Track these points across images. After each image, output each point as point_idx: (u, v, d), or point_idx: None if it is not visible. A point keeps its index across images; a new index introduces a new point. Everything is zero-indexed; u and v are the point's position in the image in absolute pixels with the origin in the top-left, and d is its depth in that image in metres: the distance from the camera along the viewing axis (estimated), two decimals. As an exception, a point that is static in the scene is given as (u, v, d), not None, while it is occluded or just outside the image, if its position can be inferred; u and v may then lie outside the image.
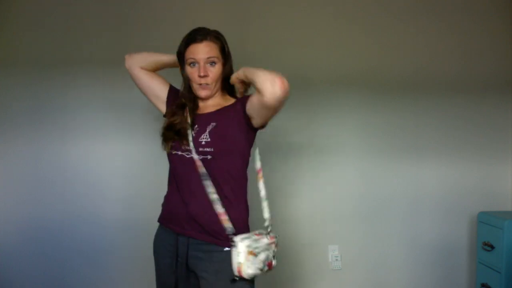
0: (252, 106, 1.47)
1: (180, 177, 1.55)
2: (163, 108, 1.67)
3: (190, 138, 1.51)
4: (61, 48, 2.38)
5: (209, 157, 1.48)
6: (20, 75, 2.36)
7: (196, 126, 1.54)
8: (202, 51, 1.51)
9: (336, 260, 2.57)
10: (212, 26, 2.36)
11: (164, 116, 1.68)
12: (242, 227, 1.50)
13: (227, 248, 1.46)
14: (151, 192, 2.42)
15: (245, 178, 1.57)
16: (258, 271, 1.44)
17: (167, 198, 1.64)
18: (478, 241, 2.47)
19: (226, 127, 1.51)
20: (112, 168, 2.42)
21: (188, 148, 1.50)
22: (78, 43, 2.39)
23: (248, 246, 1.42)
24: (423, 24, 2.61)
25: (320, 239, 2.57)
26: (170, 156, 1.58)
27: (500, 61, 2.65)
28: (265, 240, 1.46)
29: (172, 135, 1.55)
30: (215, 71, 1.53)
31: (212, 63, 1.53)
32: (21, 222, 2.36)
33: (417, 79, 2.61)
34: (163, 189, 2.41)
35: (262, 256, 1.44)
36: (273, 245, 1.48)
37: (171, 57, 1.66)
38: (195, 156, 1.49)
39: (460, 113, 2.63)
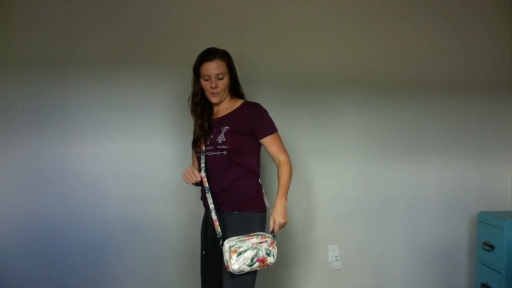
0: (265, 146, 1.95)
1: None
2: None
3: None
4: (61, 48, 2.38)
5: (224, 152, 1.87)
6: (20, 75, 2.36)
7: (215, 129, 1.92)
8: (213, 68, 1.90)
9: (336, 260, 2.57)
10: (210, 26, 2.38)
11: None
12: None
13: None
14: (152, 192, 2.44)
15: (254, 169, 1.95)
16: (246, 267, 1.71)
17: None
18: (478, 241, 2.47)
19: (238, 133, 1.90)
20: (112, 168, 2.41)
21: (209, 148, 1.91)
22: (78, 43, 2.39)
23: (232, 246, 1.71)
24: (424, 25, 2.61)
25: (320, 239, 2.57)
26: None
27: (500, 62, 2.65)
28: (253, 240, 1.74)
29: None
30: (223, 83, 1.93)
31: (221, 78, 1.91)
32: (21, 222, 2.36)
33: (417, 79, 2.61)
34: (164, 188, 2.43)
35: (247, 254, 1.71)
36: (263, 244, 1.75)
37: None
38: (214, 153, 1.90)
39: (461, 113, 2.63)
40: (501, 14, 2.65)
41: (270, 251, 1.76)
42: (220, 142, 1.89)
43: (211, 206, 1.85)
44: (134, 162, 2.44)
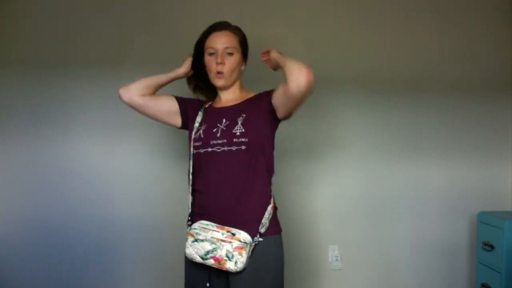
0: (277, 97, 1.53)
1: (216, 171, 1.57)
2: (178, 120, 1.72)
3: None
4: (61, 48, 2.38)
5: (243, 147, 1.52)
6: (20, 75, 2.35)
7: (224, 119, 1.58)
8: (221, 40, 1.58)
9: (336, 260, 2.57)
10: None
11: (181, 128, 1.72)
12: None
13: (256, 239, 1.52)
14: (153, 192, 2.44)
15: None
16: (197, 256, 1.50)
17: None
18: (478, 241, 2.47)
19: (256, 118, 1.57)
20: (113, 167, 2.41)
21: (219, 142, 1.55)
22: (78, 43, 2.39)
23: (192, 228, 1.52)
24: (424, 25, 2.61)
25: (320, 239, 2.57)
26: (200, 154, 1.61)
27: (500, 62, 2.65)
28: (215, 234, 1.48)
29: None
30: (232, 61, 1.59)
31: (230, 53, 1.59)
32: (21, 222, 2.35)
33: (417, 79, 2.61)
34: (164, 188, 2.42)
35: (205, 245, 1.48)
36: (226, 244, 1.46)
37: (167, 75, 1.73)
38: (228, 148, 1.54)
39: (461, 113, 2.63)
40: (501, 14, 2.65)
41: (232, 255, 1.46)
42: (238, 133, 1.52)
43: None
44: (134, 162, 2.44)
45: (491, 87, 2.64)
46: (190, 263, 1.59)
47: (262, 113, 1.57)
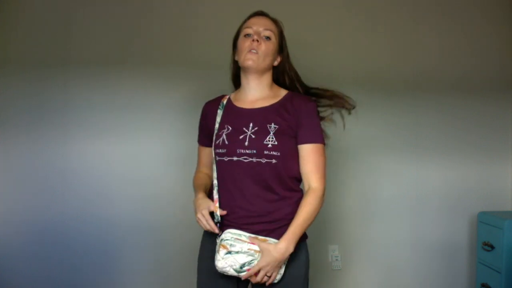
0: (299, 152, 1.46)
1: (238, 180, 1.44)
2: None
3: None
4: (61, 48, 2.37)
5: (274, 161, 1.40)
6: (20, 74, 2.35)
7: (252, 124, 1.45)
8: (260, 22, 1.50)
9: (336, 260, 2.57)
10: (214, 26, 2.34)
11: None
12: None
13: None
14: (153, 193, 2.43)
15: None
16: (231, 270, 1.37)
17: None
18: (478, 241, 2.47)
19: (288, 133, 1.45)
20: (113, 168, 2.41)
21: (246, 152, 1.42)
22: (78, 43, 2.38)
23: (224, 240, 1.38)
24: (424, 25, 2.61)
25: (320, 239, 2.57)
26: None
27: (501, 62, 2.65)
28: (252, 246, 1.37)
29: None
30: (268, 45, 1.48)
31: (267, 37, 1.49)
32: (21, 223, 2.35)
33: (417, 79, 2.61)
34: (165, 189, 2.42)
35: (240, 257, 1.37)
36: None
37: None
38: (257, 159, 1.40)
39: (461, 113, 2.63)
40: (501, 14, 2.65)
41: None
42: (270, 146, 1.39)
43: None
44: (135, 163, 2.43)
45: (491, 87, 2.64)
46: (214, 275, 1.45)
47: (290, 133, 1.45)
